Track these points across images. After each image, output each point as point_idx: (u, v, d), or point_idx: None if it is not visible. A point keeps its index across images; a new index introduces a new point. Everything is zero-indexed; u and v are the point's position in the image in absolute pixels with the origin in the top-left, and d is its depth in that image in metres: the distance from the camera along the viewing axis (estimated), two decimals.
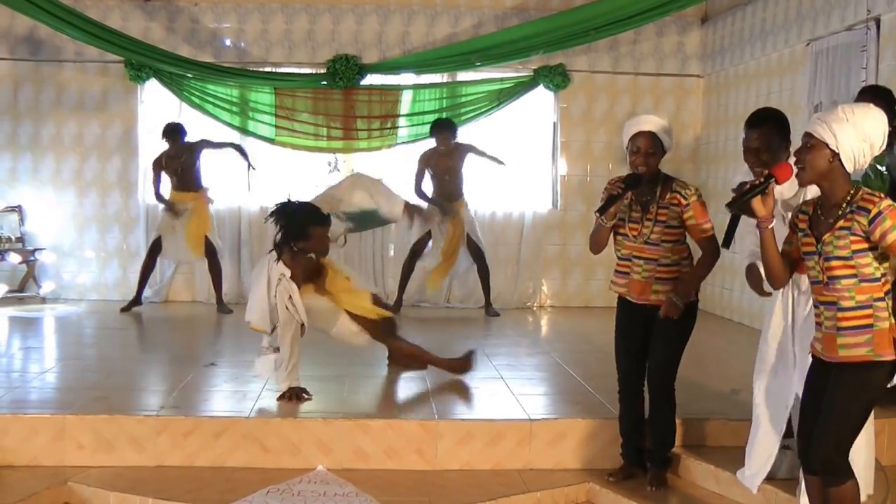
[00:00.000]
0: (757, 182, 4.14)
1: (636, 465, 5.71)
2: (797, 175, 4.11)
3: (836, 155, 3.97)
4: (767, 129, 4.93)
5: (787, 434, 5.04)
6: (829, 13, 8.50)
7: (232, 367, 7.73)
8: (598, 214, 5.31)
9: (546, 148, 11.71)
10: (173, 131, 10.50)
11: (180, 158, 10.44)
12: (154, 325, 10.10)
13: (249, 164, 10.62)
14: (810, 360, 4.30)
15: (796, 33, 9.11)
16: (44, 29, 10.77)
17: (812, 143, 4.01)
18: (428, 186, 10.55)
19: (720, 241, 4.48)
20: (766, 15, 9.78)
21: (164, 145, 10.53)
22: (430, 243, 10.59)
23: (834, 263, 4.00)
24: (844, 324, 4.01)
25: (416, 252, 10.62)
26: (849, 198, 4.00)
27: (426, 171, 10.52)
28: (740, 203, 4.16)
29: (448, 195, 10.48)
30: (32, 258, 11.19)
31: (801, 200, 4.55)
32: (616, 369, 5.66)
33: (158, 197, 10.58)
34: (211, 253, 10.56)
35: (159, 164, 10.52)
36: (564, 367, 7.73)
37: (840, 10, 8.30)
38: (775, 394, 5.02)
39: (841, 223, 3.99)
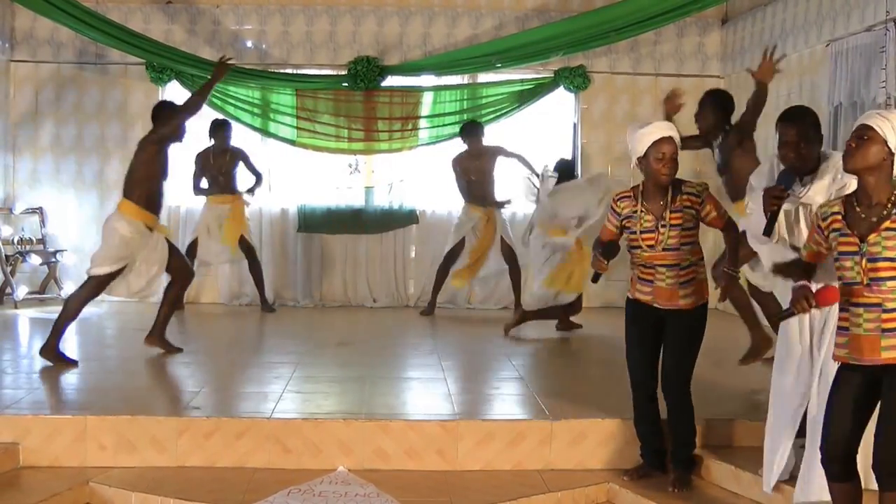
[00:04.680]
0: (801, 307, 4.12)
1: (655, 467, 5.69)
2: (844, 160, 4.05)
3: (891, 154, 3.92)
4: (804, 123, 4.93)
5: (801, 433, 5.03)
6: (848, 14, 8.47)
7: (254, 367, 7.76)
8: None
9: (566, 149, 11.67)
10: (222, 127, 10.52)
11: (225, 158, 10.46)
12: (174, 326, 10.10)
13: (251, 190, 10.71)
14: (833, 365, 4.22)
15: (816, 34, 9.08)
16: (65, 31, 10.85)
17: (869, 135, 3.94)
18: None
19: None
20: (786, 16, 9.75)
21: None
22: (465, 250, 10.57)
23: (881, 265, 3.88)
24: (890, 325, 3.90)
25: (452, 258, 10.60)
26: (893, 198, 3.93)
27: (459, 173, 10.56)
28: (781, 317, 4.55)
29: (478, 198, 10.48)
30: (54, 260, 11.23)
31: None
32: (629, 377, 5.64)
33: (200, 191, 10.60)
34: (251, 254, 10.58)
35: (206, 161, 10.51)
36: (585, 368, 7.72)
37: (860, 10, 8.27)
38: (790, 393, 5.02)
39: (888, 224, 3.91)
